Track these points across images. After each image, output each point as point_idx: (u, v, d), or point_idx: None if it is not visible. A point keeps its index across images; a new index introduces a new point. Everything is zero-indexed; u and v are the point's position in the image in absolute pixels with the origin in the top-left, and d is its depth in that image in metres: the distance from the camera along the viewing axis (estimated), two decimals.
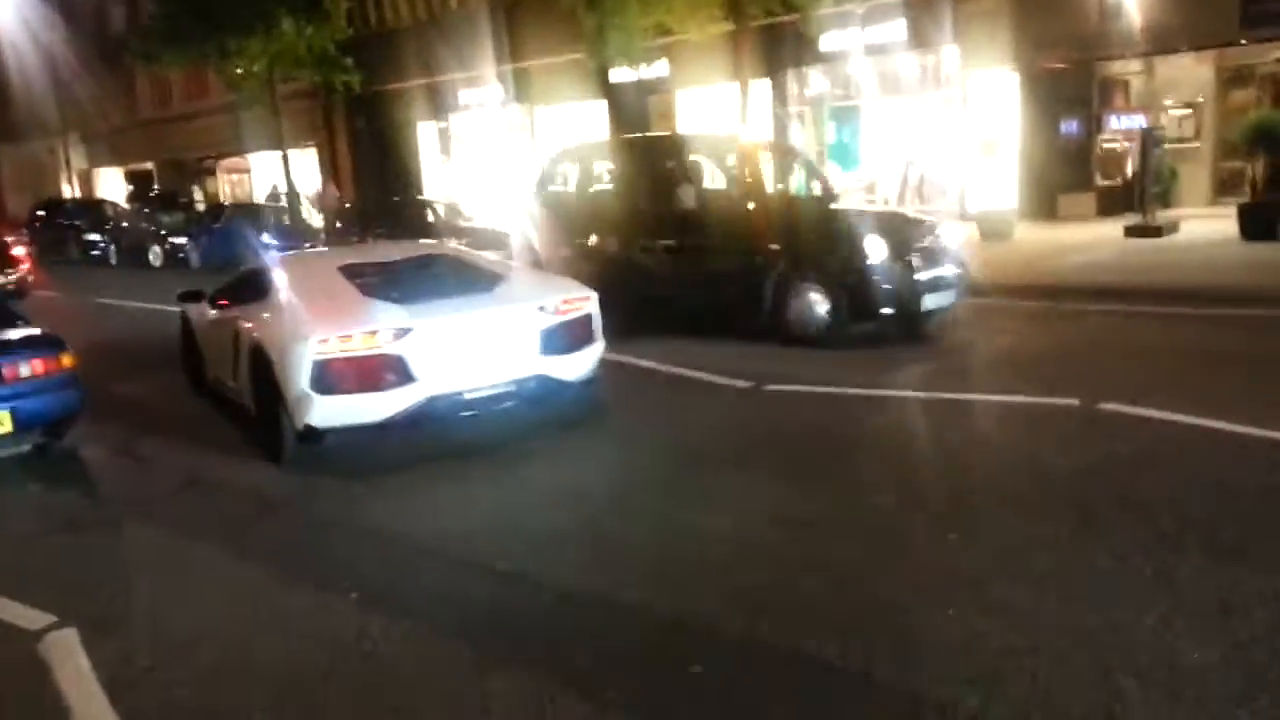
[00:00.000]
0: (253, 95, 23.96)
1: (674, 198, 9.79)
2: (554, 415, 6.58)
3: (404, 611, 4.02)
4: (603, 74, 21.48)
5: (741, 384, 7.44)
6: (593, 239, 10.59)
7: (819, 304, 8.65)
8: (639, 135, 15.56)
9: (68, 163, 39.36)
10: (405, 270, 6.87)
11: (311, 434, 5.93)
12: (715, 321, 9.37)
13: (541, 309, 6.26)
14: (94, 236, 25.13)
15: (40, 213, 28.87)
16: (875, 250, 8.54)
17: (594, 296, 6.65)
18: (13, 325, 6.69)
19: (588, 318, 6.53)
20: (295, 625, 4.01)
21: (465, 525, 4.98)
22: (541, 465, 5.88)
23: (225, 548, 4.92)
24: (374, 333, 5.76)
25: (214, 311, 7.53)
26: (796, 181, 12.53)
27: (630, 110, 22.12)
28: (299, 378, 5.71)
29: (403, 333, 5.78)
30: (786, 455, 5.81)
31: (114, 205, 30.33)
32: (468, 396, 5.98)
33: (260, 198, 27.59)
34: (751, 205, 9.70)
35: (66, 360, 6.45)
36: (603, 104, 22.74)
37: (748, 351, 8.57)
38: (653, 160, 10.72)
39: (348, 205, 23.97)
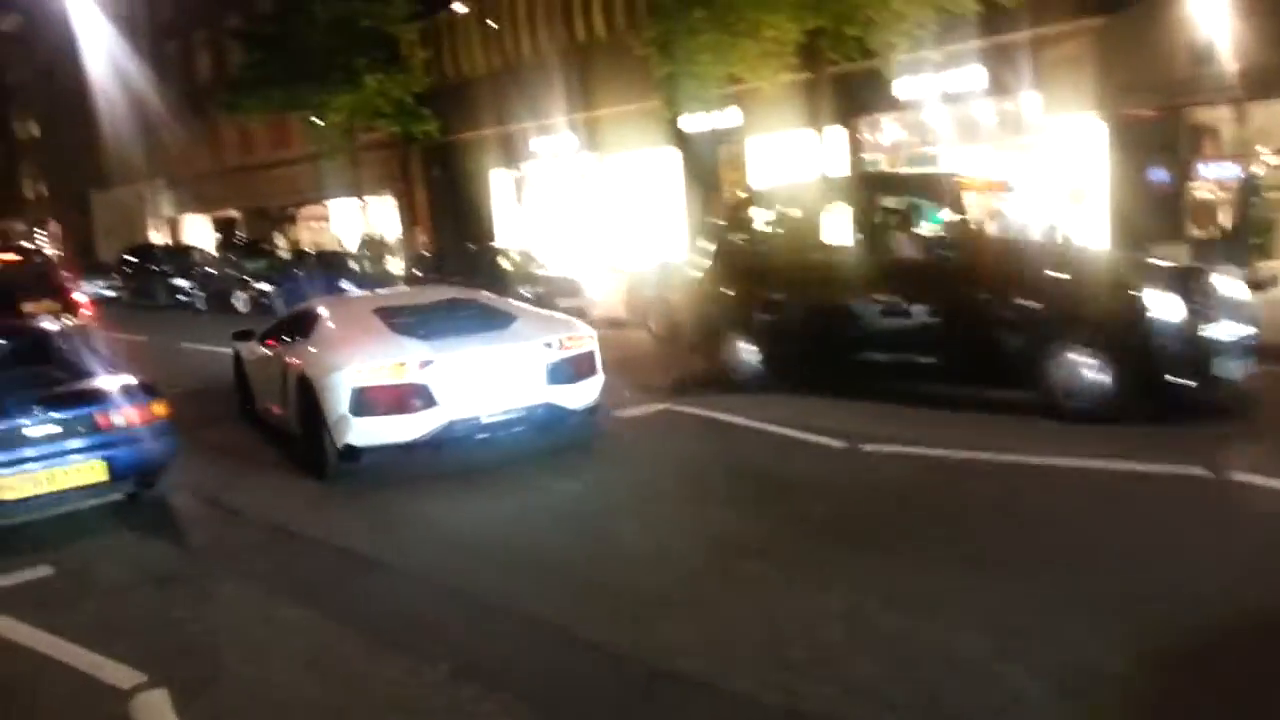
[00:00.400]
0: (333, 145, 24.65)
1: (891, 244, 8.49)
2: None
3: (497, 683, 3.90)
4: (674, 122, 21.63)
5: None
6: (783, 292, 9.25)
7: (1092, 371, 7.14)
8: (840, 175, 14.78)
9: (156, 209, 40.79)
10: (431, 311, 7.76)
11: (350, 452, 6.81)
12: (948, 389, 8.14)
13: (548, 345, 7.13)
14: (181, 282, 25.83)
15: (129, 257, 29.89)
16: (1162, 305, 7.03)
17: (594, 334, 7.58)
18: (108, 373, 6.82)
19: (590, 353, 7.40)
20: (385, 694, 3.92)
21: (563, 593, 4.87)
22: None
23: (314, 608, 4.87)
24: (402, 364, 6.70)
25: (263, 349, 8.55)
26: (1020, 223, 10.77)
27: (701, 158, 22.20)
28: (339, 403, 6.67)
29: (426, 364, 6.71)
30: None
31: (201, 252, 31.29)
32: (484, 421, 6.90)
33: (350, 245, 28.18)
34: (991, 251, 8.22)
35: (160, 409, 6.55)
36: (674, 151, 22.88)
37: (1014, 427, 7.32)
38: (862, 201, 9.03)
39: (425, 253, 24.35)
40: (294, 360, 7.55)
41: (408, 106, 23.80)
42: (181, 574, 5.54)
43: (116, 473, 6.22)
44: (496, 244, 23.66)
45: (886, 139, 19.80)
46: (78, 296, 16.08)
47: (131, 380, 6.75)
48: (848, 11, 13.53)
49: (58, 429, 6.03)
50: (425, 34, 26.96)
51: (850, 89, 18.06)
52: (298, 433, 7.52)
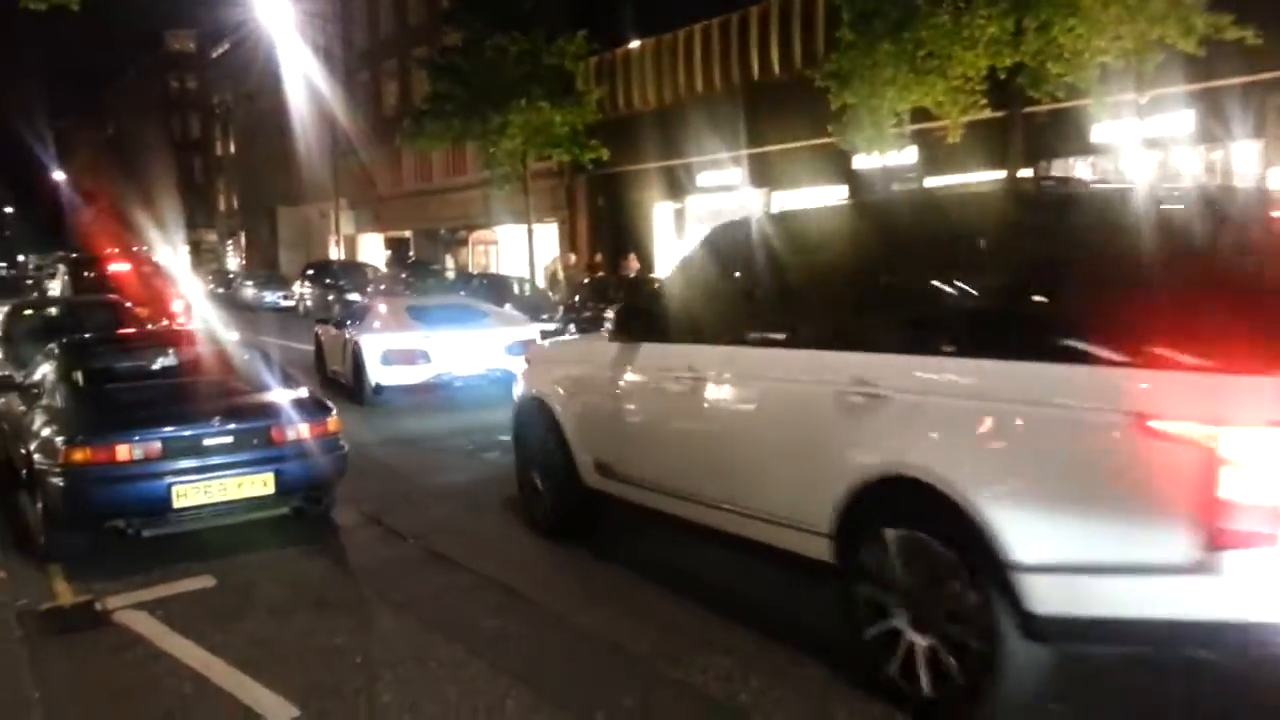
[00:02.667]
0: (505, 172, 25.24)
1: None
2: None
3: None
4: (846, 159, 21.05)
5: None
6: None
7: None
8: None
9: (336, 227, 42.98)
10: (438, 309, 13.02)
11: (378, 389, 11.54)
12: None
13: (506, 330, 12.14)
14: (356, 297, 26.99)
15: (310, 272, 31.55)
16: None
17: (535, 326, 12.60)
18: (285, 387, 6.87)
19: (533, 339, 11.34)
20: None
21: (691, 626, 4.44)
22: None
23: (473, 647, 4.62)
24: (412, 337, 11.67)
25: (334, 330, 13.37)
26: None
27: (873, 196, 21.51)
28: (374, 358, 11.56)
29: (426, 338, 11.61)
30: None
31: (374, 269, 32.66)
32: (460, 375, 11.55)
33: (526, 269, 28.81)
34: None
35: (333, 425, 6.53)
36: (844, 190, 22.29)
37: None
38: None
39: (585, 281, 24.53)
40: (351, 335, 12.18)
41: (579, 137, 24.15)
42: (341, 598, 5.41)
43: (283, 486, 6.20)
44: (655, 275, 23.57)
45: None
46: (174, 306, 17.38)
47: (306, 394, 6.78)
48: (1050, 48, 12.69)
49: (232, 440, 6.06)
50: (600, 68, 27.41)
51: (1041, 130, 17.09)
52: (350, 380, 12.09)
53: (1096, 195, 4.30)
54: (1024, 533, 3.42)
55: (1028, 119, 15.07)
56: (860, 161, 20.55)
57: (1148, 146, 16.76)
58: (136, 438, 5.84)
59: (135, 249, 67.02)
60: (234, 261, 63.64)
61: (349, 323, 12.81)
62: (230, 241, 66.47)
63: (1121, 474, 3.27)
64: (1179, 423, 3.13)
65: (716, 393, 4.88)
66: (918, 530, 3.77)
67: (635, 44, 27.08)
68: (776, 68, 23.41)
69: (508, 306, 19.49)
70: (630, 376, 5.55)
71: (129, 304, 12.74)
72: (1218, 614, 3.14)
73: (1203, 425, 3.08)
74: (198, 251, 73.61)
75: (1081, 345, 3.40)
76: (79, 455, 5.73)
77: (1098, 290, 3.50)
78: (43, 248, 75.64)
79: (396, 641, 4.75)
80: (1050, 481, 3.43)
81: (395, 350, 11.49)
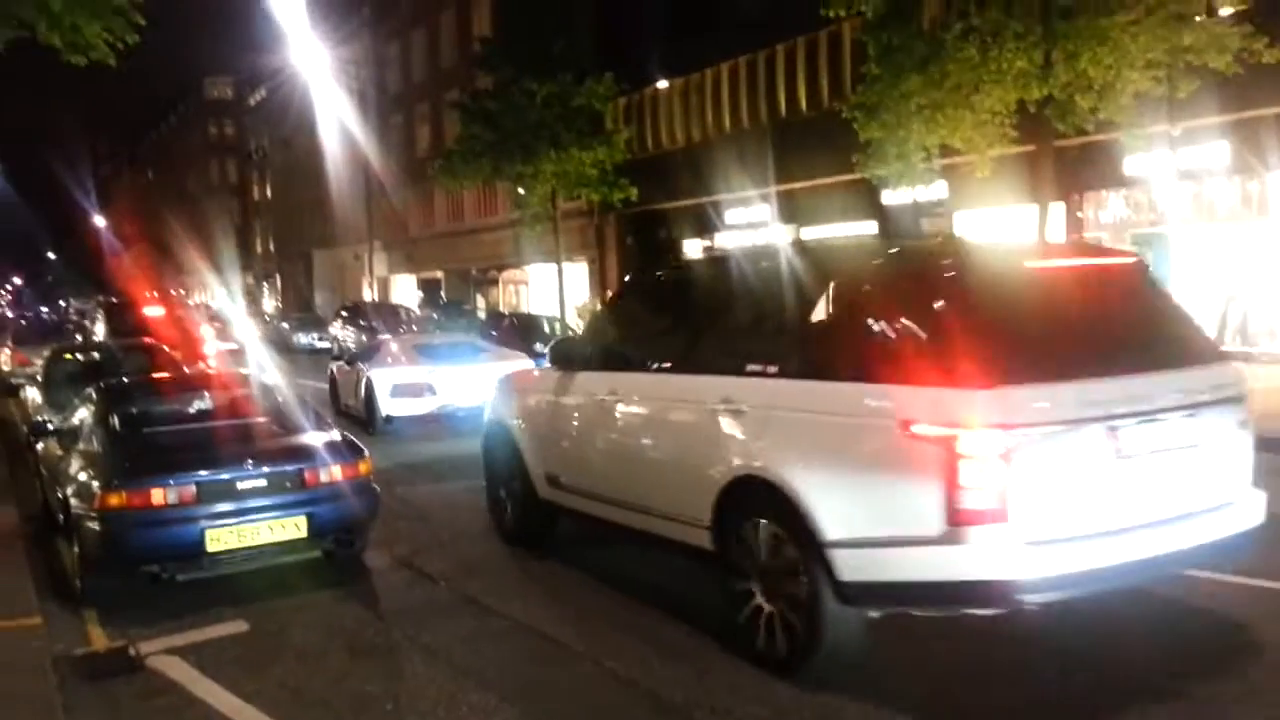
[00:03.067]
0: (536, 212, 25.49)
1: None
2: None
3: None
4: (874, 194, 21.04)
5: None
6: None
7: None
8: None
9: (370, 268, 43.50)
10: (441, 347, 14.28)
11: (388, 419, 12.66)
12: None
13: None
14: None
15: (344, 313, 31.92)
16: None
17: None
18: (318, 430, 6.90)
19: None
20: None
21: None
22: None
23: (504, 694, 4.57)
24: (418, 372, 12.84)
25: (347, 366, 14.69)
26: None
27: (902, 233, 21.43)
28: (385, 392, 12.74)
29: (430, 373, 12.77)
30: None
31: (407, 310, 32.96)
32: (462, 406, 12.06)
33: (536, 308, 29.01)
34: None
35: (364, 467, 6.55)
36: (873, 225, 22.25)
37: None
38: None
39: None
40: (364, 371, 13.41)
41: (608, 176, 24.36)
42: (373, 643, 5.38)
43: (316, 529, 6.21)
44: None
45: (1109, 216, 18.47)
46: (205, 349, 18.22)
47: (338, 436, 6.80)
48: (1080, 80, 12.63)
49: (265, 483, 6.09)
50: (628, 108, 27.70)
51: (1072, 163, 17.02)
52: (361, 413, 13.26)
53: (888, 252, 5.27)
54: (831, 516, 4.33)
55: (1058, 152, 14.99)
56: (889, 197, 20.54)
57: (1182, 178, 16.61)
58: (171, 482, 5.88)
59: (172, 292, 68.20)
60: (270, 304, 64.55)
61: (361, 360, 14.04)
62: (267, 284, 67.47)
63: (894, 467, 4.16)
64: (930, 426, 4.03)
65: (629, 411, 5.83)
66: (765, 518, 4.69)
67: (663, 84, 27.35)
68: (804, 105, 23.53)
69: (538, 345, 19.70)
70: (567, 400, 6.45)
71: (165, 347, 12.91)
72: (966, 575, 4.03)
73: (946, 428, 3.96)
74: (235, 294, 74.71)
75: (867, 369, 4.34)
76: (114, 500, 5.78)
77: (876, 327, 4.42)
78: (83, 291, 77.23)
79: (428, 688, 4.71)
80: (847, 474, 4.37)
81: (403, 384, 12.73)
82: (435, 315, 30.07)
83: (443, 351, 13.67)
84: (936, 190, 19.51)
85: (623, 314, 7.00)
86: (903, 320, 4.33)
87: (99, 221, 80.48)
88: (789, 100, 24.07)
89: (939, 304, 4.31)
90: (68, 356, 12.80)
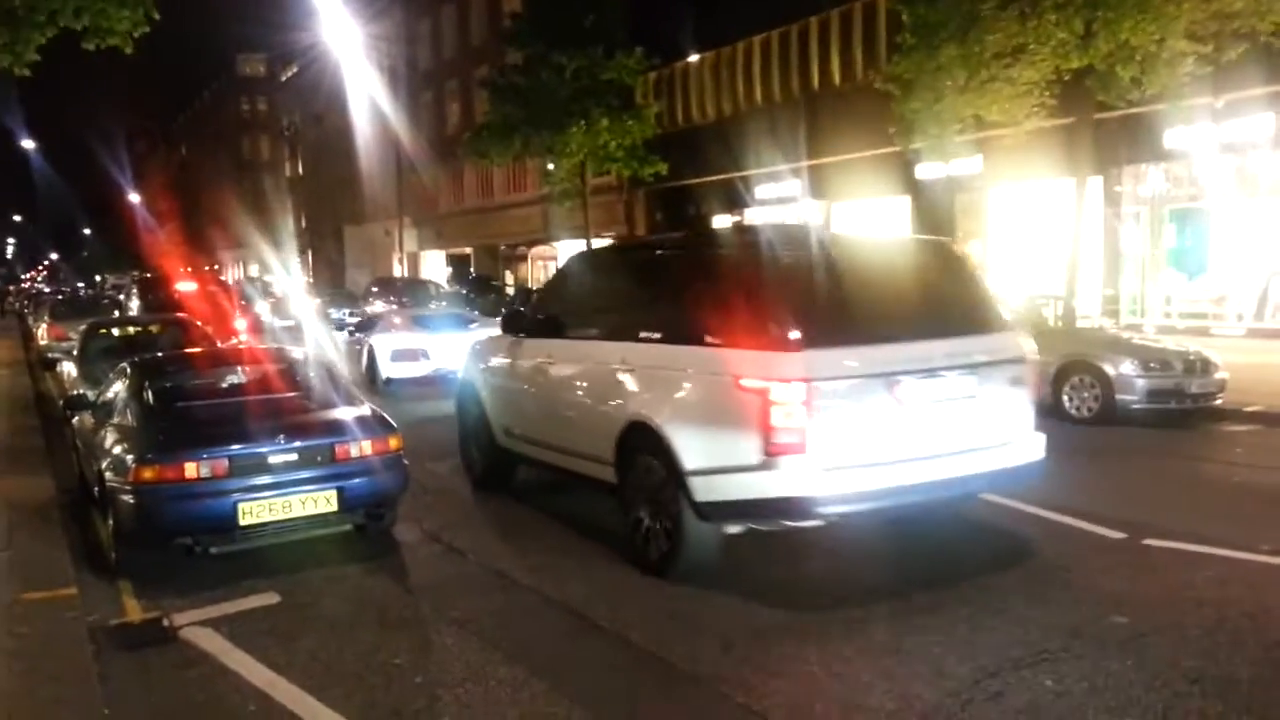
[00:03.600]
0: (565, 188, 25.40)
1: None
2: None
3: None
4: (908, 168, 20.78)
5: None
6: None
7: None
8: None
9: (400, 244, 43.66)
10: (435, 317, 16.79)
11: (388, 381, 14.55)
12: None
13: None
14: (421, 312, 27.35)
15: (375, 289, 32.08)
16: None
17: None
18: (349, 405, 6.93)
19: None
20: None
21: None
22: None
23: (533, 667, 4.58)
24: (415, 339, 14.80)
25: (348, 336, 17.08)
26: None
27: (936, 206, 21.17)
28: (385, 356, 14.68)
29: (425, 340, 14.67)
30: None
31: (436, 285, 33.06)
32: (452, 369, 11.93)
33: None
34: None
35: (394, 442, 6.56)
36: (905, 200, 21.98)
37: None
38: None
39: None
40: (367, 339, 15.66)
41: (638, 151, 24.20)
42: (402, 616, 5.41)
43: (346, 503, 6.25)
44: None
45: (1148, 190, 18.12)
46: (237, 324, 18.41)
47: (368, 411, 6.82)
48: (1121, 50, 12.33)
49: (297, 457, 6.12)
50: (658, 83, 27.47)
51: (1111, 136, 16.68)
52: (364, 376, 14.92)
53: (726, 240, 6.93)
54: (689, 451, 5.56)
55: (1097, 125, 14.69)
56: (923, 170, 20.26)
57: (1224, 151, 16.24)
58: (204, 456, 5.93)
59: (206, 268, 68.83)
60: (302, 279, 65.01)
61: (363, 330, 16.96)
62: (299, 260, 67.94)
63: (729, 412, 5.40)
64: (752, 380, 5.25)
65: (559, 371, 7.08)
66: (647, 454, 5.88)
67: (694, 57, 27.10)
68: (837, 78, 23.22)
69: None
70: (516, 362, 7.69)
71: (198, 322, 13.02)
72: (779, 494, 5.25)
73: (763, 382, 5.19)
74: (265, 270, 75.39)
75: (713, 337, 5.57)
76: (148, 473, 5.83)
77: (719, 302, 5.66)
78: (118, 267, 78.26)
79: (457, 661, 4.73)
80: (700, 419, 5.59)
81: (402, 350, 14.70)
82: (464, 290, 30.13)
83: (436, 322, 15.94)
84: (971, 164, 19.22)
85: (557, 290, 8.47)
86: (736, 298, 5.60)
87: (133, 198, 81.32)
88: (822, 73, 23.76)
89: (761, 286, 5.60)
90: (103, 331, 12.94)
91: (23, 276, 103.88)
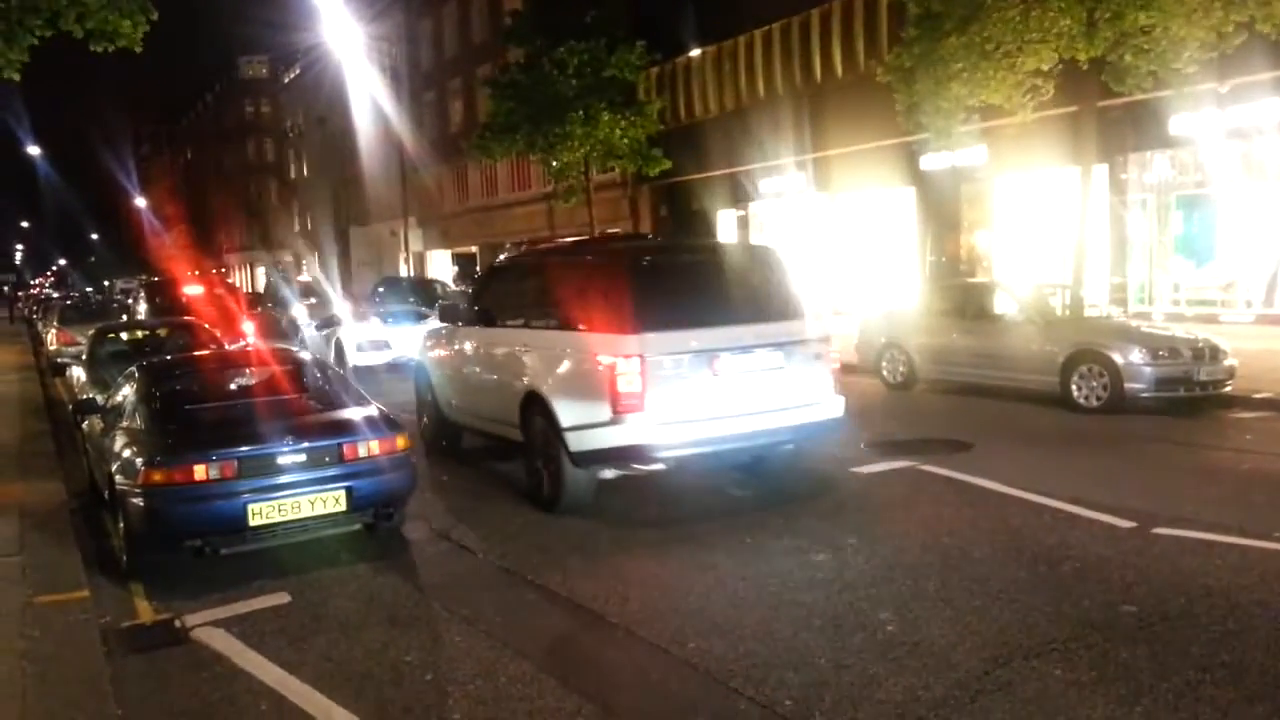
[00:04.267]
0: (569, 185, 25.39)
1: None
2: None
3: None
4: (912, 160, 20.71)
5: None
6: None
7: None
8: None
9: (406, 244, 43.69)
10: (399, 311, 18.83)
11: (356, 370, 15.72)
12: None
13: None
14: (426, 311, 27.40)
15: (380, 289, 32.06)
16: None
17: None
18: (356, 405, 6.95)
19: None
20: None
21: (819, 691, 4.33)
22: None
23: (542, 663, 4.60)
24: (378, 330, 17.50)
25: (315, 330, 18.98)
26: None
27: (941, 197, 21.11)
28: (351, 348, 17.11)
29: (387, 331, 17.38)
30: None
31: (442, 285, 33.03)
32: (412, 357, 11.80)
33: None
34: None
35: (402, 442, 6.58)
36: (910, 191, 21.92)
37: None
38: None
39: None
40: (335, 335, 17.58)
41: (641, 147, 24.17)
42: (412, 614, 5.42)
43: (355, 503, 6.27)
44: None
45: (1154, 178, 18.03)
46: (244, 326, 18.75)
47: (376, 412, 6.84)
48: (1123, 39, 12.28)
49: (305, 458, 6.14)
50: (660, 78, 27.42)
51: (1116, 123, 16.61)
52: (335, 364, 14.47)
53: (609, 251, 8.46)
54: (566, 413, 7.10)
55: (1102, 113, 14.62)
56: (928, 161, 20.21)
57: (1230, 137, 16.15)
58: (213, 458, 5.95)
59: (213, 271, 68.98)
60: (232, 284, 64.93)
61: (330, 325, 18.64)
62: (305, 261, 68.09)
63: (591, 381, 6.93)
64: (605, 357, 6.82)
65: (483, 353, 8.74)
66: (539, 416, 7.44)
67: (696, 52, 27.04)
68: (840, 70, 23.15)
69: None
70: (453, 347, 9.37)
71: (205, 325, 13.06)
72: (625, 443, 6.80)
73: (612, 358, 6.75)
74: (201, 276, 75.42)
75: (582, 324, 7.21)
76: (158, 476, 5.85)
77: (584, 297, 7.36)
78: (126, 271, 78.50)
79: (466, 658, 4.74)
80: (573, 387, 7.16)
81: (367, 341, 17.20)
82: (468, 289, 30.13)
83: (395, 316, 18.29)
84: (976, 154, 19.15)
85: (482, 288, 10.14)
86: (595, 294, 7.25)
87: (139, 202, 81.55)
88: (824, 65, 23.69)
89: (612, 284, 7.19)
90: (111, 336, 12.99)
91: (31, 282, 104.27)
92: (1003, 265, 19.87)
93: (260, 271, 76.73)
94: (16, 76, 8.42)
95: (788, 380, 7.23)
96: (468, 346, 9.01)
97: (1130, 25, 12.03)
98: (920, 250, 21.79)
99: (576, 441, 6.97)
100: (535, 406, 7.43)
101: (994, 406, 11.48)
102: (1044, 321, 11.83)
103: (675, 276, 7.48)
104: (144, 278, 56.83)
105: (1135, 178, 18.05)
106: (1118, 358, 10.61)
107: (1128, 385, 10.51)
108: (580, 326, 7.19)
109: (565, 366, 7.28)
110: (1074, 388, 10.92)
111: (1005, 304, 12.51)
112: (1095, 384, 10.77)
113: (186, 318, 14.78)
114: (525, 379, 7.67)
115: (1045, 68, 13.13)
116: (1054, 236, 18.15)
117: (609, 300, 7.06)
